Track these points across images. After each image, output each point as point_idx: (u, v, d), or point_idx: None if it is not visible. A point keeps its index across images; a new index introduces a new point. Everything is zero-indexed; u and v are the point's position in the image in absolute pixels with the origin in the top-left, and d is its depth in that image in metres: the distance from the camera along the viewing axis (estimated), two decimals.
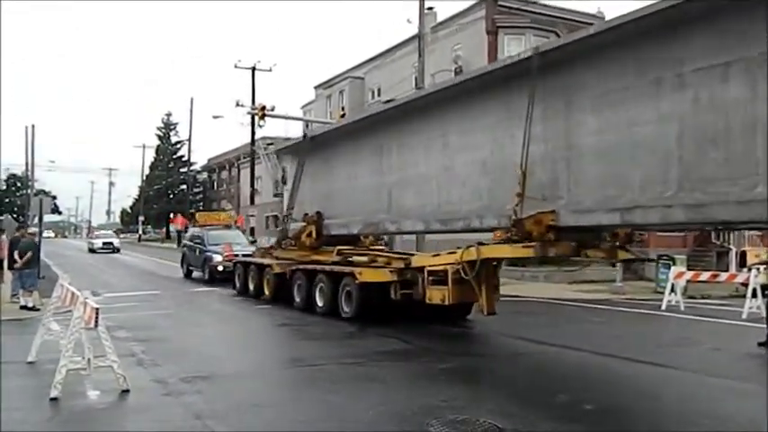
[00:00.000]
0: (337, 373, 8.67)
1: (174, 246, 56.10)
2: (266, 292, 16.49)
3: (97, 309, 7.19)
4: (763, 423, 6.59)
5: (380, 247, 16.91)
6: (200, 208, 70.60)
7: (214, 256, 21.88)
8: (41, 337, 9.17)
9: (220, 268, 21.28)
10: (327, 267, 14.08)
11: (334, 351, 10.20)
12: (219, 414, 6.63)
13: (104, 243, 46.40)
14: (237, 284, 18.31)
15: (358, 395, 7.48)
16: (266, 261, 17.06)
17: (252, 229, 44.06)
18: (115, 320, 12.84)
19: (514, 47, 27.62)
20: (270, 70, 42.95)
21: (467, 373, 8.94)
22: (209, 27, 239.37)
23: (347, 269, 13.41)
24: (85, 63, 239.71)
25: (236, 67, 42.16)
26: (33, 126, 39.24)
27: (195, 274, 24.03)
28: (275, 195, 47.64)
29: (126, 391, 7.36)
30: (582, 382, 8.54)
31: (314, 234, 15.82)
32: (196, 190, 70.70)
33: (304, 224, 16.28)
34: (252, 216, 44.55)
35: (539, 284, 22.55)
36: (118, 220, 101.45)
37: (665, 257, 20.78)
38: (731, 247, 28.24)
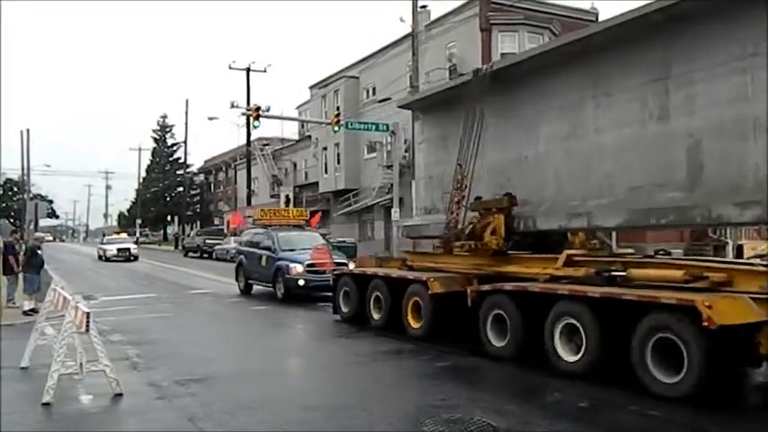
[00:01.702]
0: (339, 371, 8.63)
1: (172, 248, 56.10)
2: (410, 323, 11.03)
3: (88, 313, 7.14)
4: None
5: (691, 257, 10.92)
6: (197, 210, 70.68)
7: (291, 265, 16.73)
8: (35, 341, 9.13)
9: (301, 282, 16.49)
10: (598, 292, 7.80)
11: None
12: (214, 417, 6.58)
13: (119, 249, 38.40)
14: (343, 307, 13.23)
15: (358, 393, 7.45)
16: (410, 275, 11.38)
17: None
18: (110, 324, 12.81)
19: (508, 44, 27.62)
20: (264, 71, 42.83)
21: (463, 372, 8.90)
22: (204, 28, 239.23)
23: (669, 297, 7.03)
24: (80, 66, 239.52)
25: (230, 68, 42.07)
26: (28, 130, 39.12)
27: (256, 287, 19.02)
28: (272, 196, 47.93)
29: (119, 395, 7.31)
30: (577, 379, 8.50)
31: (501, 230, 9.97)
32: (193, 192, 70.61)
33: (475, 215, 10.62)
34: (249, 217, 44.44)
35: None
36: (115, 223, 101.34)
37: (661, 251, 20.76)
38: (728, 240, 28.28)
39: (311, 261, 16.71)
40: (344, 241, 28.12)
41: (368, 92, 36.60)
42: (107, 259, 37.82)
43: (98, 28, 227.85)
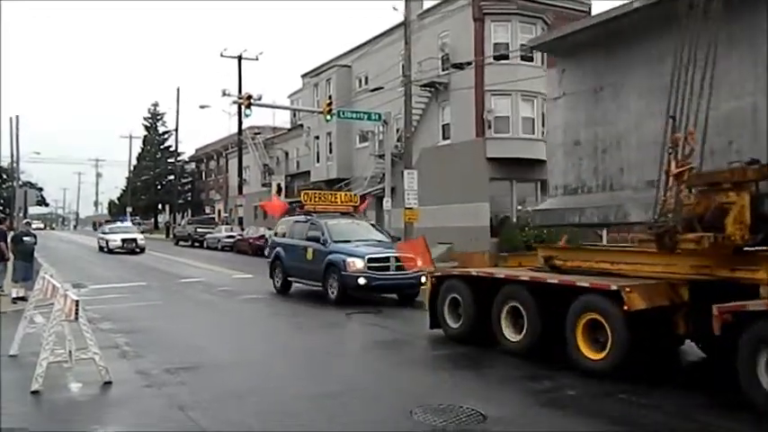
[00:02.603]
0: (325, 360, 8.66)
1: (163, 237, 55.91)
2: (584, 352, 7.86)
3: (77, 301, 7.12)
4: None
5: None
6: (189, 199, 70.42)
7: (349, 260, 14.10)
8: (24, 329, 9.09)
9: (362, 281, 13.88)
10: None
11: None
12: (203, 405, 6.59)
13: (125, 240, 33.44)
14: (450, 320, 10.01)
15: (348, 381, 7.47)
16: (581, 281, 8.09)
17: (240, 219, 43.86)
18: (100, 312, 12.78)
19: (501, 34, 27.58)
20: (256, 59, 42.65)
21: (454, 360, 8.95)
22: (195, 16, 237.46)
23: None
24: (71, 53, 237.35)
25: (222, 56, 41.82)
26: (18, 117, 38.85)
27: (296, 286, 16.48)
28: (264, 185, 47.79)
29: (108, 383, 7.30)
30: (568, 368, 8.56)
31: (746, 216, 6.96)
32: (184, 180, 70.35)
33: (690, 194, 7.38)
34: (240, 206, 44.30)
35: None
36: (105, 211, 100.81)
37: None
38: None
39: (381, 254, 14.25)
40: None
41: (360, 81, 36.47)
42: (110, 251, 33.08)
43: (89, 15, 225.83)
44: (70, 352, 7.45)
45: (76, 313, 7.07)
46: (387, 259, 14.23)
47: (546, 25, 28.05)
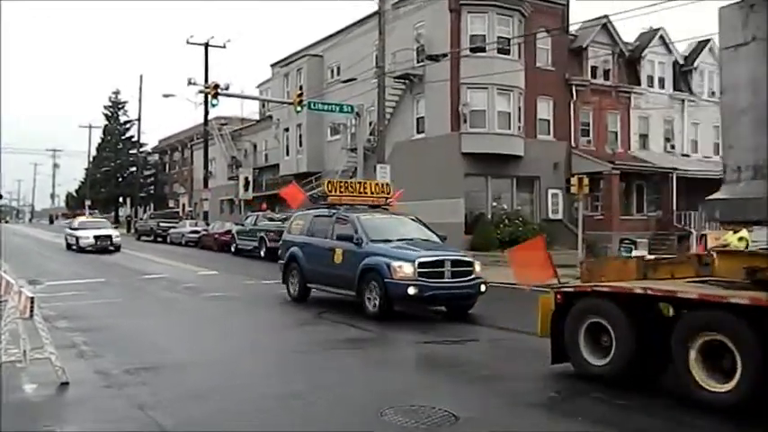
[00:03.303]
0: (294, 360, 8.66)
1: (124, 231, 55.15)
2: None
3: (32, 298, 7.01)
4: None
5: None
6: (152, 192, 69.57)
7: (396, 264, 11.81)
8: None
9: (412, 290, 11.64)
10: None
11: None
12: (164, 404, 6.55)
13: (98, 237, 30.13)
14: (588, 353, 7.67)
15: (315, 381, 7.49)
16: None
17: (205, 214, 43.50)
18: (56, 310, 12.59)
19: (478, 25, 27.76)
20: (224, 47, 42.29)
21: (424, 360, 9.01)
22: (160, 0, 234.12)
23: None
24: (27, 37, 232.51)
25: (188, 42, 41.40)
26: None
27: (314, 293, 14.39)
28: (230, 179, 47.46)
29: (65, 384, 7.20)
30: (544, 368, 8.69)
31: None
32: (147, 173, 69.46)
33: None
34: (205, 200, 43.99)
35: (501, 269, 22.74)
36: (63, 204, 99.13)
37: (626, 241, 21.28)
38: (692, 230, 29.10)
39: (434, 257, 12.12)
40: None
41: (332, 71, 36.40)
42: (81, 249, 29.75)
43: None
44: (25, 351, 7.34)
45: (31, 311, 6.98)
46: (441, 263, 12.02)
47: (523, 18, 28.34)
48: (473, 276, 12.19)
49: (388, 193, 14.99)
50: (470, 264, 12.31)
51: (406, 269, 11.73)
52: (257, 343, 10.35)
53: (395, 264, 11.80)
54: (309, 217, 14.81)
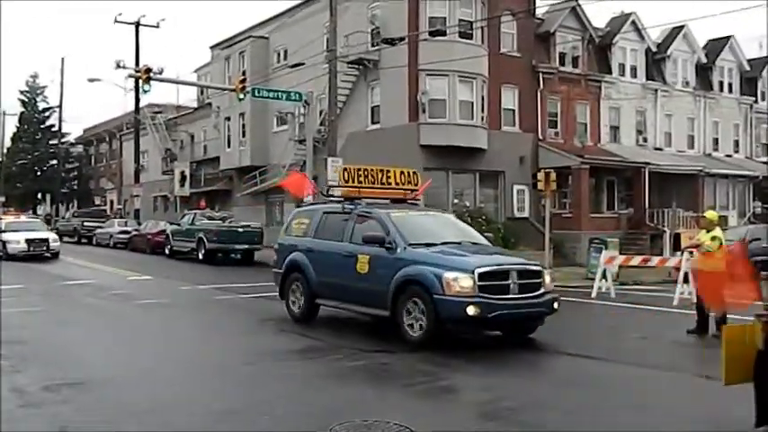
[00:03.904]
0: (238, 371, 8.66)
1: None
2: None
3: None
4: (685, 409, 7.08)
5: None
6: (75, 187, 68.21)
7: (447, 276, 9.99)
8: None
9: (472, 311, 9.83)
10: None
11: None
12: (90, 425, 6.49)
13: (31, 242, 27.16)
14: None
15: (258, 396, 7.51)
16: None
17: (137, 212, 42.83)
18: None
19: (437, 8, 27.99)
20: (157, 26, 41.72)
21: (377, 372, 9.11)
22: None
23: None
24: None
25: (116, 21, 40.69)
26: None
27: (325, 311, 12.84)
28: (165, 173, 46.85)
29: None
30: (500, 377, 8.87)
31: None
32: (69, 166, 68.17)
33: None
34: (136, 197, 43.26)
35: None
36: None
37: (596, 241, 21.77)
38: (665, 229, 29.96)
39: (497, 266, 10.43)
40: (249, 226, 27.88)
41: (279, 55, 36.22)
42: (8, 257, 26.52)
43: None
44: None
45: None
46: (506, 274, 10.28)
47: (482, 2, 28.61)
48: (543, 290, 10.53)
49: (416, 184, 13.19)
50: (539, 274, 10.66)
51: (464, 282, 9.86)
52: (194, 354, 10.29)
53: (448, 275, 9.93)
54: (317, 214, 12.87)
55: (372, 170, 12.85)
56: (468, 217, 27.29)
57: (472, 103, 28.14)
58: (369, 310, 11.41)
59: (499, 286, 10.09)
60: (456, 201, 28.59)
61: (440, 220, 12.83)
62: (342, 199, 12.50)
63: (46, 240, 27.78)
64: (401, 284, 10.47)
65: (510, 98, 30.39)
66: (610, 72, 33.79)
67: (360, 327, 12.23)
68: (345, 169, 12.77)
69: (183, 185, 41.24)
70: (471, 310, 9.74)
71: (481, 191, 29.79)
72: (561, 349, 10.49)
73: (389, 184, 12.89)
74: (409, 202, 12.99)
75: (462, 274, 9.92)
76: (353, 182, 12.47)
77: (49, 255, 27.47)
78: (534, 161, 30.31)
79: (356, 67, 29.79)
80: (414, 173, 13.36)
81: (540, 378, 9.10)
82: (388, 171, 12.96)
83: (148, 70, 24.52)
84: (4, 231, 27.90)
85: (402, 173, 13.06)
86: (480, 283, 9.89)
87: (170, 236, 29.78)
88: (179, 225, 29.72)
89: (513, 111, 30.48)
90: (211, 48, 44.67)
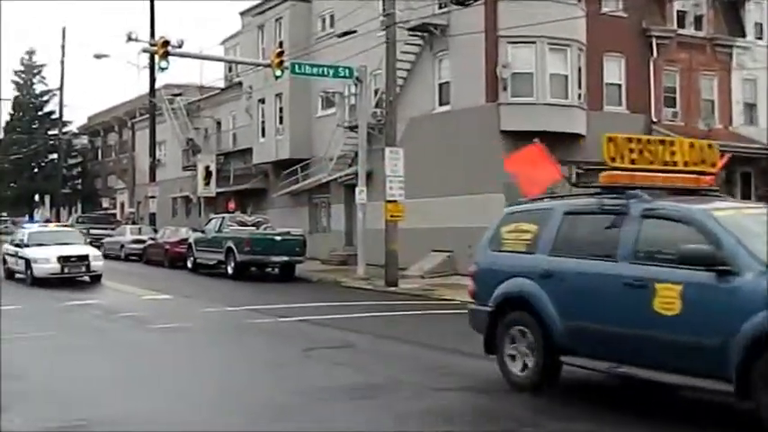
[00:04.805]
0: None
1: None
2: None
3: None
4: None
5: None
6: (78, 186, 69.83)
7: None
8: None
9: None
10: None
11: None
12: None
13: (65, 260, 24.41)
14: None
15: None
16: None
17: (152, 217, 43.67)
18: None
19: None
20: None
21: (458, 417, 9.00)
22: None
23: None
24: None
25: None
26: None
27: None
28: (186, 168, 47.59)
29: None
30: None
31: None
32: (72, 161, 69.74)
33: None
34: (151, 198, 44.13)
35: None
36: None
37: None
38: None
39: None
40: (289, 233, 28.07)
41: (324, 22, 36.44)
42: (35, 281, 24.37)
43: None
44: None
45: None
46: None
47: None
48: None
49: (714, 163, 10.73)
50: None
51: None
52: (220, 391, 10.33)
53: None
54: (553, 216, 10.43)
55: (651, 143, 10.49)
56: None
57: (566, 76, 27.74)
58: (680, 379, 8.55)
59: None
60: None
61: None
62: (602, 189, 10.07)
63: (85, 258, 24.92)
64: (758, 340, 7.60)
65: (615, 70, 29.88)
66: (743, 35, 32.93)
67: (417, 356, 12.11)
68: (611, 140, 10.04)
69: (207, 184, 41.77)
70: None
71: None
72: None
73: (675, 163, 10.32)
74: (705, 192, 10.35)
75: None
76: (623, 160, 9.92)
77: (87, 278, 25.20)
78: None
79: (419, 34, 29.70)
80: (709, 146, 10.89)
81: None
82: (672, 143, 10.55)
83: (166, 43, 24.91)
84: (27, 246, 25.61)
85: (692, 145, 10.60)
86: None
87: (192, 245, 30.23)
88: (203, 232, 30.12)
89: (619, 86, 29.97)
90: (241, 14, 45.27)
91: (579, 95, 28.15)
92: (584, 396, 9.92)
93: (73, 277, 24.68)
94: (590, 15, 28.41)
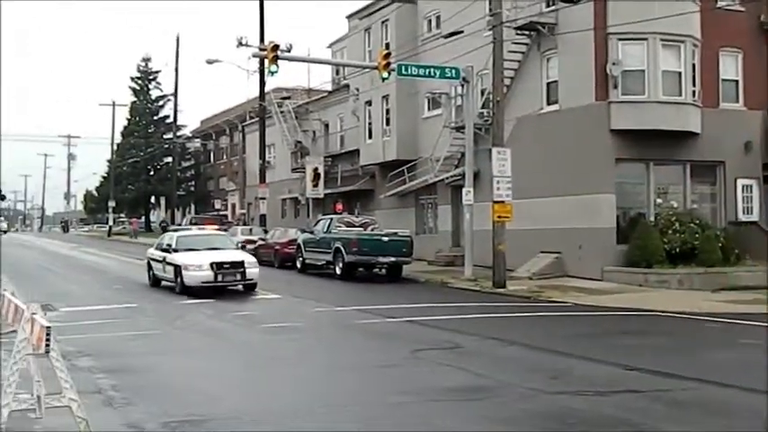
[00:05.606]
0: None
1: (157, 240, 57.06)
2: None
3: (48, 328, 7.28)
4: None
5: None
6: (192, 188, 71.54)
7: None
8: None
9: None
10: None
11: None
12: None
13: (218, 266, 22.19)
14: None
15: None
16: None
17: (262, 218, 44.50)
18: (76, 344, 13.17)
19: None
20: None
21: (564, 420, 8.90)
22: None
23: None
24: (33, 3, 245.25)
25: None
26: None
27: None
28: (294, 170, 48.32)
29: None
30: None
31: None
32: (186, 164, 71.47)
33: None
34: (262, 199, 44.92)
35: (669, 292, 22.36)
36: (81, 206, 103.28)
37: None
38: None
39: None
40: (396, 234, 28.21)
41: (430, 23, 36.46)
42: (185, 289, 22.12)
43: None
44: (39, 397, 7.69)
45: (47, 345, 7.22)
46: None
47: None
48: None
49: None
50: None
51: None
52: (332, 390, 10.47)
53: None
54: None
55: None
56: (676, 222, 26.30)
57: (680, 73, 27.02)
58: None
59: None
60: (659, 201, 27.57)
61: None
62: None
63: (240, 264, 22.83)
64: None
65: (731, 66, 28.93)
66: None
67: (526, 359, 12.00)
68: None
69: (315, 185, 42.26)
70: None
71: (693, 187, 28.53)
72: None
73: None
74: None
75: None
76: None
77: (241, 287, 23.29)
78: (765, 148, 28.72)
79: (527, 33, 29.41)
80: None
81: None
82: None
83: (275, 48, 25.37)
84: (176, 251, 23.44)
85: None
86: None
87: (301, 246, 30.63)
88: (312, 233, 30.47)
89: (736, 82, 29.00)
90: (348, 17, 45.70)
91: (693, 92, 27.37)
92: None
93: (227, 285, 22.70)
94: (704, 9, 27.60)
